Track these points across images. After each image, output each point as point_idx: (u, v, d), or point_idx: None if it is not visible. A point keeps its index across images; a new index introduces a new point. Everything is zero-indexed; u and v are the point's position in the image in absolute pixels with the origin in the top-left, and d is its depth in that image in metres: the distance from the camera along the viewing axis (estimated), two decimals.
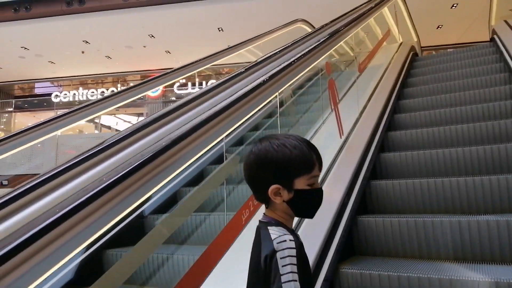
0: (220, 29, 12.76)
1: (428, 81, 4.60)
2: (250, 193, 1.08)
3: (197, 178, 3.01)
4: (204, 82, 15.99)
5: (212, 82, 13.47)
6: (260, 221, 1.06)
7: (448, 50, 14.18)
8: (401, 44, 5.86)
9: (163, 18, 11.94)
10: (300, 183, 1.01)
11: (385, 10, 5.93)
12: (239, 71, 2.30)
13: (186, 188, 2.92)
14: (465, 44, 15.79)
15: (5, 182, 10.74)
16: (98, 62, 15.19)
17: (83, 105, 2.93)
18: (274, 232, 0.97)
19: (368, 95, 3.40)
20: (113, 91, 16.53)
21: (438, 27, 13.43)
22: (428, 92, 4.22)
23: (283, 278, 0.87)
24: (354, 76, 3.37)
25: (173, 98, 16.91)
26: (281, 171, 1.01)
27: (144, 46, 13.89)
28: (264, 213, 1.07)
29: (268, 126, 3.49)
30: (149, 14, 11.67)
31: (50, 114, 17.15)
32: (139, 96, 3.61)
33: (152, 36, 13.08)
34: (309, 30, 7.07)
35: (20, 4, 11.51)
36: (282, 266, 0.88)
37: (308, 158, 1.02)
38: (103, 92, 16.63)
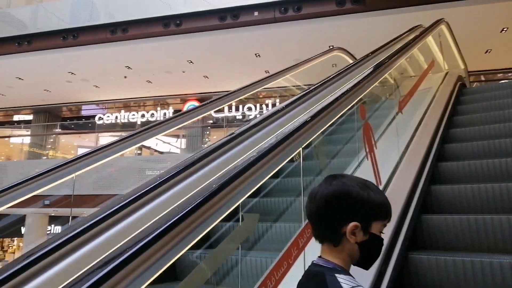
0: (257, 54, 12.79)
1: (478, 121, 4.07)
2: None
3: None
4: (240, 106, 16.03)
5: (249, 106, 13.42)
6: (320, 265, 0.99)
7: (501, 82, 13.42)
8: (446, 74, 5.47)
9: (201, 45, 12.15)
10: (375, 228, 1.00)
11: (429, 38, 5.60)
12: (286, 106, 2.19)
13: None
14: None
15: (47, 202, 11.14)
16: (139, 86, 15.67)
17: (142, 128, 3.11)
18: (346, 282, 0.91)
19: (409, 135, 3.07)
20: (152, 114, 16.94)
21: (487, 51, 12.72)
22: (477, 135, 3.70)
23: None
24: (394, 112, 3.09)
25: (210, 121, 17.10)
26: (364, 210, 0.99)
27: (183, 71, 14.18)
28: (322, 256, 1.01)
29: (289, 172, 3.14)
30: (188, 41, 11.92)
31: (93, 135, 17.81)
32: (189, 122, 3.85)
33: (191, 62, 13.33)
34: (347, 57, 6.84)
35: (69, 33, 12.14)
36: None
37: (387, 205, 1.02)
38: (143, 114, 17.08)
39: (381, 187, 2.16)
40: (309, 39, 11.84)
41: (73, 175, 2.62)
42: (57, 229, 17.56)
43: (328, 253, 0.99)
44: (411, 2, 10.06)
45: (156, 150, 19.64)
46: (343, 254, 0.98)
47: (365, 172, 2.18)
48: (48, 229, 16.99)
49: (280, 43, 12.10)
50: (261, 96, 16.90)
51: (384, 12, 10.39)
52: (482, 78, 16.17)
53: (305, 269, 1.03)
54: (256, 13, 11.05)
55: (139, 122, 16.94)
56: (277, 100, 16.30)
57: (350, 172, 2.41)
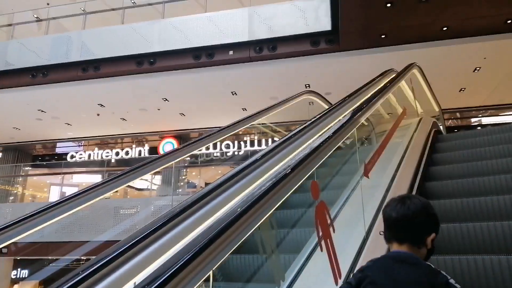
0: (233, 92, 12.62)
1: (455, 191, 3.38)
2: None
3: None
4: (218, 143, 15.69)
5: (227, 143, 13.02)
6: (406, 254, 1.33)
7: (478, 129, 13.54)
8: (420, 120, 5.27)
9: (176, 83, 11.93)
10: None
11: (402, 84, 5.46)
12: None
13: None
14: (490, 107, 15.12)
15: (4, 251, 10.34)
16: (113, 123, 15.24)
17: (123, 172, 3.04)
18: (434, 267, 1.29)
19: (376, 205, 2.73)
20: (127, 151, 16.41)
21: (461, 90, 12.88)
22: (454, 211, 2.98)
23: None
24: (357, 177, 2.77)
25: (187, 158, 16.65)
26: (438, 225, 1.42)
27: (158, 109, 13.86)
28: (407, 251, 1.35)
29: None
30: (163, 79, 11.68)
31: (63, 172, 17.07)
32: (169, 164, 3.78)
33: (166, 99, 13.04)
34: (318, 100, 6.66)
35: (38, 70, 11.76)
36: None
37: None
38: (117, 152, 16.54)
39: (340, 282, 1.79)
40: (285, 78, 11.77)
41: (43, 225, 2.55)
42: (24, 273, 16.52)
43: (412, 249, 1.35)
44: (383, 43, 10.13)
45: (133, 187, 18.99)
46: (419, 254, 1.35)
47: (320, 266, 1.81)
48: (13, 274, 15.92)
49: (256, 82, 11.99)
50: (240, 133, 16.66)
51: (358, 52, 10.42)
52: (458, 115, 16.37)
53: None
54: (231, 52, 10.94)
55: (113, 160, 16.37)
56: (256, 137, 16.06)
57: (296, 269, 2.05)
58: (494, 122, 16.68)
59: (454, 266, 2.16)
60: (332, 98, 8.04)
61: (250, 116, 5.43)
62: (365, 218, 2.37)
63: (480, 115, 16.66)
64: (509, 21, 9.14)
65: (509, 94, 13.41)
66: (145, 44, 11.36)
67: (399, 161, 3.53)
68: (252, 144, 15.80)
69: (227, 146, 15.59)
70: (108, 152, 16.53)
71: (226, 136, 4.74)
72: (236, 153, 15.63)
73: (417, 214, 1.38)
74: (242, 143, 15.80)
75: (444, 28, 9.46)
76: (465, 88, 12.81)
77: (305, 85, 12.41)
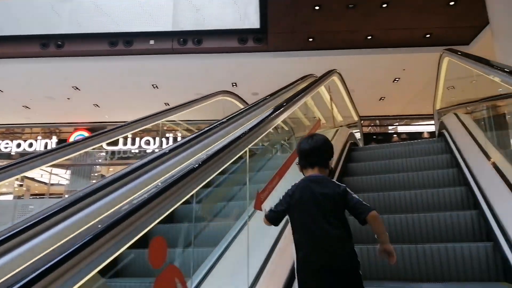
0: (154, 85, 11.72)
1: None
2: None
3: None
4: (138, 139, 14.61)
5: (147, 139, 11.95)
6: (318, 177, 1.89)
7: (394, 142, 14.04)
8: (337, 131, 5.05)
9: (89, 70, 10.72)
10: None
11: (322, 91, 5.19)
12: None
13: None
14: (406, 116, 15.94)
15: None
16: (14, 111, 13.42)
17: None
18: (336, 182, 1.89)
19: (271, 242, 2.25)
20: (31, 143, 14.62)
21: (381, 98, 13.33)
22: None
23: (356, 197, 1.77)
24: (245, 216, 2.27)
25: (103, 154, 15.31)
26: (333, 152, 2.04)
27: (68, 98, 12.43)
28: (318, 173, 1.91)
29: None
30: (72, 65, 10.42)
31: None
32: (76, 154, 3.59)
33: (77, 88, 11.71)
34: (235, 101, 6.21)
35: None
36: (353, 195, 1.77)
37: None
38: (19, 144, 14.65)
39: None
40: (211, 74, 11.16)
41: None
42: None
43: (320, 171, 1.93)
44: (311, 46, 9.99)
45: (42, 182, 17.08)
46: (325, 173, 1.94)
47: None
48: None
49: (180, 76, 11.22)
50: (165, 128, 15.69)
51: (286, 53, 10.18)
52: (377, 122, 17.07)
53: None
54: (152, 42, 10.07)
55: (13, 152, 14.47)
56: (179, 134, 15.23)
57: None
58: (409, 131, 17.70)
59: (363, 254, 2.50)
60: (259, 99, 7.64)
61: (159, 113, 4.89)
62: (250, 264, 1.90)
63: (397, 123, 17.55)
64: (428, 36, 9.48)
65: (424, 105, 14.17)
66: (52, 23, 10.02)
67: None
68: (175, 140, 14.95)
69: (148, 142, 14.57)
70: (7, 143, 14.57)
71: (134, 131, 4.50)
72: (156, 150, 14.65)
73: (322, 145, 1.98)
74: (164, 139, 14.86)
75: (369, 37, 9.56)
76: (384, 97, 13.28)
77: (232, 83, 11.94)
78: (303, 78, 4.85)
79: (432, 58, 10.03)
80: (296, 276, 1.73)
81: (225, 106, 6.04)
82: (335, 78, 5.47)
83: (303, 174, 1.96)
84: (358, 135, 6.43)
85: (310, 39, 9.75)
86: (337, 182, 1.88)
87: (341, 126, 5.75)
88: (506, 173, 2.70)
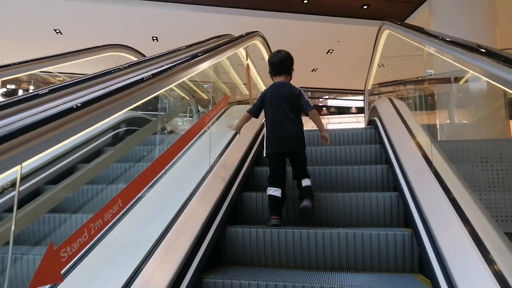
0: (57, 31, 9.91)
1: None
2: None
3: None
4: None
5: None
6: (282, 82, 2.75)
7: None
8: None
9: None
10: None
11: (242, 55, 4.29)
12: None
13: None
14: (338, 90, 15.73)
15: None
16: None
17: None
18: (294, 86, 2.73)
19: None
20: None
21: (313, 70, 12.81)
22: None
23: (306, 98, 2.66)
24: None
25: None
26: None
27: None
28: (283, 79, 2.77)
29: None
30: None
31: None
32: None
33: None
34: (133, 58, 5.16)
35: None
36: (304, 95, 2.67)
37: None
38: None
39: None
40: (128, 25, 9.65)
41: None
42: None
43: (284, 79, 2.77)
44: (241, 4, 8.93)
45: None
46: (288, 80, 2.79)
47: None
48: None
49: (90, 23, 9.55)
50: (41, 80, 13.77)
51: (213, 9, 9.02)
52: (309, 94, 16.70)
53: None
54: None
55: None
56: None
57: None
58: (338, 105, 17.65)
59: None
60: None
61: (30, 61, 3.72)
62: None
63: (327, 97, 17.38)
64: (365, 7, 8.92)
65: (355, 80, 13.99)
66: None
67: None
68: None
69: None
70: None
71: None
72: None
73: (287, 57, 2.82)
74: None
75: (305, 1, 8.73)
76: (317, 69, 12.78)
77: (153, 37, 10.53)
78: (218, 38, 3.92)
79: (366, 32, 9.57)
80: (264, 144, 2.70)
81: (121, 63, 4.91)
82: (257, 42, 4.57)
83: (273, 80, 2.85)
84: None
85: None
86: (295, 86, 2.74)
87: None
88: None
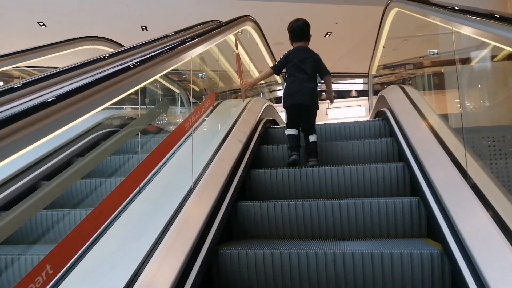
0: (41, 23, 9.38)
1: None
2: None
3: None
4: None
5: None
6: (303, 47, 3.25)
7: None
8: (246, 107, 3.64)
9: None
10: None
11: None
12: None
13: None
14: (336, 74, 15.22)
15: None
16: None
17: None
18: (313, 51, 3.26)
19: None
20: None
21: None
22: None
23: (324, 64, 3.25)
24: None
25: None
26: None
27: None
28: (303, 44, 3.26)
29: None
30: None
31: None
32: None
33: None
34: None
35: None
36: (322, 62, 3.25)
37: None
38: None
39: None
40: (114, 12, 9.12)
41: None
42: None
43: (304, 44, 3.26)
44: None
45: None
46: (307, 45, 3.29)
47: None
48: None
49: (70, 9, 8.95)
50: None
51: None
52: None
53: None
54: None
55: None
56: None
57: None
58: (337, 89, 17.17)
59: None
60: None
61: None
62: None
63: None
64: None
65: (354, 63, 13.49)
66: None
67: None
68: None
69: None
70: None
71: None
72: None
73: (305, 24, 3.26)
74: None
75: None
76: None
77: (142, 26, 10.01)
78: (205, 24, 3.47)
79: (366, 13, 9.06)
80: (282, 98, 3.24)
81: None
82: (248, 27, 4.09)
83: (293, 46, 3.30)
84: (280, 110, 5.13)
85: None
86: (315, 52, 3.26)
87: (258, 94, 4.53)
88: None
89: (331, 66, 14.40)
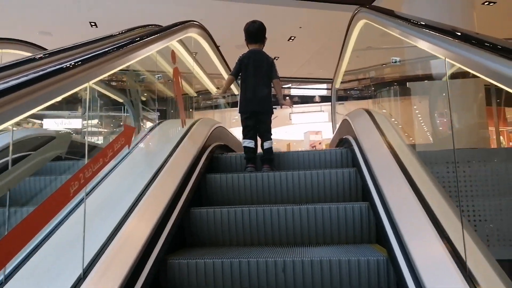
0: None
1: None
2: None
3: None
4: None
5: None
6: (257, 50, 3.33)
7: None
8: (190, 129, 3.02)
9: None
10: None
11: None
12: None
13: None
14: (299, 79, 15.40)
15: None
16: None
17: None
18: (267, 54, 3.35)
19: None
20: None
21: (275, 58, 12.34)
22: None
23: (276, 68, 3.30)
24: None
25: None
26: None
27: None
28: (258, 47, 3.34)
29: None
30: None
31: None
32: None
33: None
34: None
35: None
36: (275, 66, 3.30)
37: None
38: None
39: None
40: (61, 7, 8.64)
41: None
42: None
43: (258, 47, 3.33)
44: None
45: None
46: (262, 48, 3.38)
47: None
48: None
49: (16, 5, 8.45)
50: None
51: None
52: None
53: None
54: None
55: None
56: None
57: None
58: (301, 94, 17.38)
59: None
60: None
61: None
62: None
63: (289, 86, 17.05)
64: None
65: (317, 68, 13.69)
66: None
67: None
68: None
69: None
70: None
71: None
72: None
73: (261, 26, 3.34)
74: None
75: None
76: (279, 57, 12.31)
77: (91, 23, 9.56)
78: (143, 28, 3.26)
79: (328, 18, 9.20)
80: (238, 104, 3.26)
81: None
82: (194, 35, 3.80)
83: (248, 47, 3.37)
84: (234, 131, 4.60)
85: None
86: (268, 55, 3.32)
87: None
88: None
89: (294, 71, 14.59)
